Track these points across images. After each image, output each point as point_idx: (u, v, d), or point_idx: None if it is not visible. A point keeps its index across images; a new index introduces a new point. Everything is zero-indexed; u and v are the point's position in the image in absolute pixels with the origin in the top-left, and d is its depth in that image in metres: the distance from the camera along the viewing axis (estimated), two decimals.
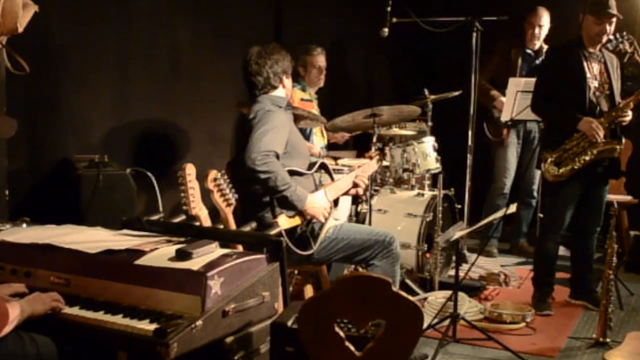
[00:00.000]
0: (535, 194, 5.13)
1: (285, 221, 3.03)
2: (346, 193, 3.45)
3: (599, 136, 3.68)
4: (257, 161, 2.95)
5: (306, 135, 4.44)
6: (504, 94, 5.00)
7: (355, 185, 3.43)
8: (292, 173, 3.14)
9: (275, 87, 3.25)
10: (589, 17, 3.72)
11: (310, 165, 3.35)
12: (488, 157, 5.27)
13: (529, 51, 5.04)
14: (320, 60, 4.55)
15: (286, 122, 3.18)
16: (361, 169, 3.57)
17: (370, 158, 3.82)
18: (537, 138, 5.08)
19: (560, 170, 3.77)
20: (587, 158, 3.73)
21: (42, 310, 2.05)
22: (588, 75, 3.76)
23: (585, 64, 3.77)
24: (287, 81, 3.30)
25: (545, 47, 4.98)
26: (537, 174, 5.05)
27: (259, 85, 3.23)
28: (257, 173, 2.96)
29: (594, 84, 3.77)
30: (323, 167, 3.43)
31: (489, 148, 5.24)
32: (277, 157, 3.04)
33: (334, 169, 3.60)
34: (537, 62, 5.01)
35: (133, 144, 4.15)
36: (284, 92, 3.29)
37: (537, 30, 4.96)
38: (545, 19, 4.97)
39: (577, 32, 3.82)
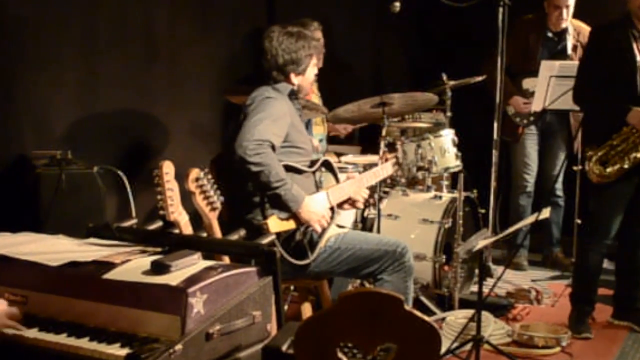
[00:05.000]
0: (560, 192, 5.19)
1: (276, 224, 3.03)
2: (340, 205, 3.43)
3: None
4: (249, 150, 2.96)
5: (305, 124, 4.44)
6: (519, 83, 5.02)
7: (351, 200, 3.42)
8: (288, 169, 3.14)
9: (286, 79, 3.29)
10: None
11: (312, 163, 3.35)
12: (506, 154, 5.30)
13: (550, 35, 5.05)
14: (317, 36, 4.55)
15: (287, 112, 3.19)
16: (373, 171, 3.57)
17: (386, 160, 3.81)
18: (557, 131, 5.13)
19: (607, 170, 3.77)
20: (639, 156, 3.73)
21: None
22: (638, 58, 3.77)
23: (634, 45, 3.78)
24: (310, 70, 3.35)
25: (571, 26, 4.99)
26: (557, 167, 5.07)
27: (271, 74, 3.29)
28: (248, 165, 2.97)
29: None
30: (326, 165, 3.43)
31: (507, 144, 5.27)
32: (273, 148, 3.04)
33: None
34: (560, 46, 5.03)
35: (101, 138, 4.14)
36: (297, 85, 3.33)
37: (564, 13, 4.96)
38: None
39: (623, 9, 3.83)
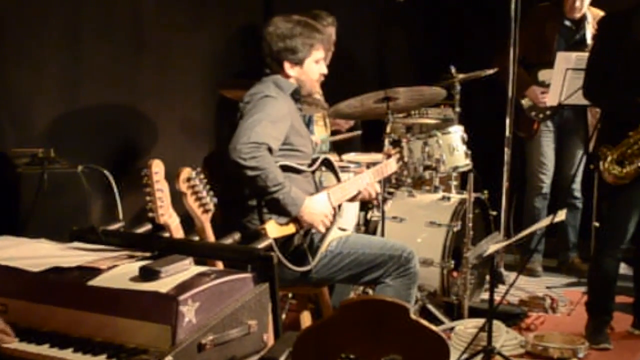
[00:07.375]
0: (577, 193, 5.20)
1: (274, 229, 3.03)
2: (353, 199, 3.45)
3: None
4: (244, 154, 2.96)
5: (305, 124, 4.44)
6: (535, 75, 5.02)
7: (364, 194, 3.43)
8: (286, 169, 3.14)
9: (280, 68, 3.29)
10: None
11: (311, 162, 3.35)
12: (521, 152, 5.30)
13: (567, 23, 5.05)
14: (330, 31, 4.55)
15: (287, 114, 3.19)
16: (375, 168, 3.57)
17: (389, 156, 3.82)
18: (575, 127, 5.15)
19: (624, 171, 3.77)
20: None
21: None
22: None
23: None
24: (310, 64, 3.33)
25: (590, 13, 4.99)
26: (575, 166, 5.07)
27: (265, 62, 3.29)
28: (244, 169, 2.97)
29: None
30: (326, 163, 3.43)
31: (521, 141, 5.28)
32: (270, 151, 3.04)
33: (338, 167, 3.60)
34: (578, 36, 5.03)
35: (86, 136, 4.14)
36: (295, 78, 3.32)
37: (578, 3, 4.96)
38: None
39: None
